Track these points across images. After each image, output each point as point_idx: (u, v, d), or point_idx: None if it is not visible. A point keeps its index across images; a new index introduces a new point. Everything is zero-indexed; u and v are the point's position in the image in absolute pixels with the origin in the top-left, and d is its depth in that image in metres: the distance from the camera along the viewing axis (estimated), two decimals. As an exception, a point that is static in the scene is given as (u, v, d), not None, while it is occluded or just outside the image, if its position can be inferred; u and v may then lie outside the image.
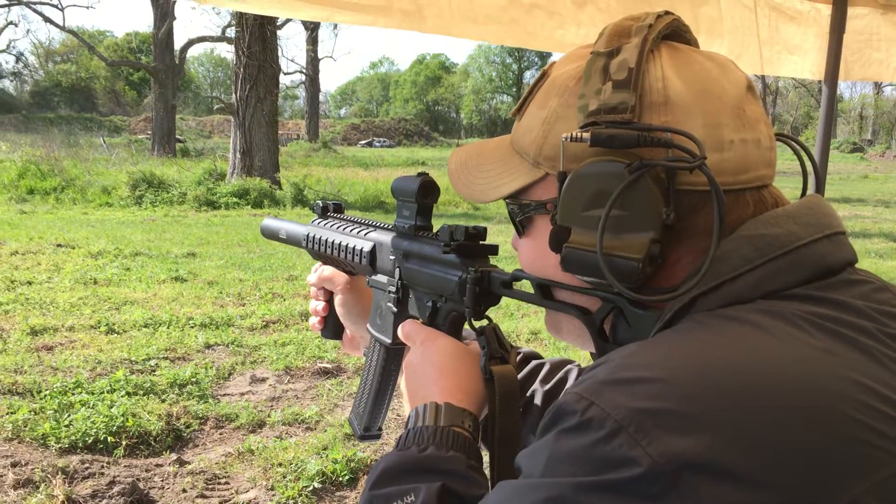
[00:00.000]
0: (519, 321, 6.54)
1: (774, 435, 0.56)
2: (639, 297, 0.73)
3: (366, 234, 1.19)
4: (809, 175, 0.88)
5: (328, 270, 1.30)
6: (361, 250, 1.18)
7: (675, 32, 0.81)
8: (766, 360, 0.62)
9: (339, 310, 1.29)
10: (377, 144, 55.72)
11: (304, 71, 49.48)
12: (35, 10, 35.64)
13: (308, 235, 1.33)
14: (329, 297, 1.33)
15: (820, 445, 0.57)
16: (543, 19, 2.37)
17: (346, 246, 1.22)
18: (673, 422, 0.57)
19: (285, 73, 46.20)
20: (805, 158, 0.86)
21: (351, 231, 1.23)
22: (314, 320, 1.37)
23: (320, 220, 1.34)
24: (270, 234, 1.47)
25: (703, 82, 0.74)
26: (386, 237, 1.14)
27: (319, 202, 1.36)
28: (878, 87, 69.39)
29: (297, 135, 51.67)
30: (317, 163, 28.06)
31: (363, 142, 56.96)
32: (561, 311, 0.85)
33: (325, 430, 4.12)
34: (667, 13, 0.80)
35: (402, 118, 69.98)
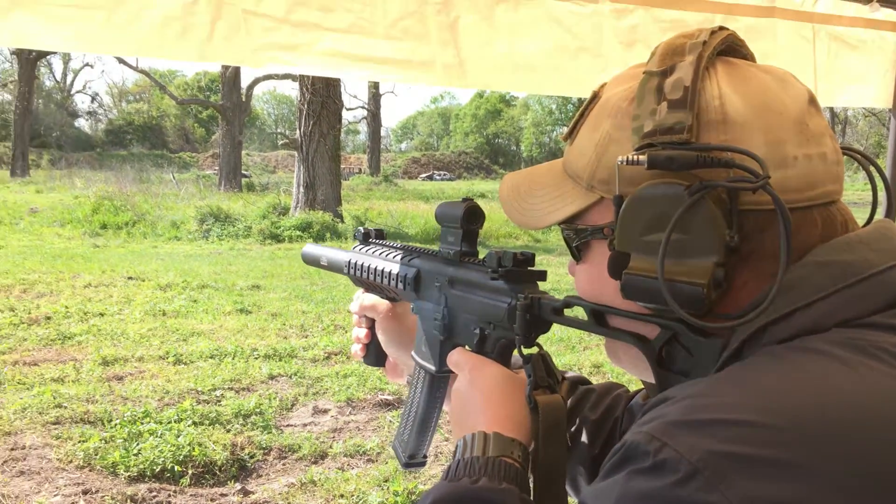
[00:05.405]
0: (580, 354, 6.43)
1: (859, 475, 0.54)
2: (704, 325, 0.69)
3: (409, 261, 1.18)
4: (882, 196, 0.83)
5: (369, 298, 1.31)
6: (405, 276, 1.16)
7: (730, 48, 0.78)
8: (850, 397, 0.59)
9: (380, 337, 1.29)
10: (438, 178, 56.02)
11: (366, 106, 50.28)
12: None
13: (350, 262, 1.33)
14: (371, 325, 1.33)
15: None
16: (589, 63, 2.37)
17: (390, 272, 1.20)
18: (753, 467, 0.55)
19: (348, 109, 47.00)
20: (875, 174, 0.82)
21: (394, 257, 1.22)
22: (356, 348, 1.38)
23: (362, 246, 1.34)
24: (311, 261, 1.47)
25: (761, 97, 0.71)
26: (431, 263, 1.13)
27: (361, 229, 1.36)
28: (953, 113, 66.96)
29: (359, 169, 52.34)
30: (378, 196, 28.34)
31: (424, 175, 57.37)
32: (616, 338, 0.82)
33: (387, 462, 4.12)
34: (721, 28, 0.77)
35: (462, 151, 70.30)
